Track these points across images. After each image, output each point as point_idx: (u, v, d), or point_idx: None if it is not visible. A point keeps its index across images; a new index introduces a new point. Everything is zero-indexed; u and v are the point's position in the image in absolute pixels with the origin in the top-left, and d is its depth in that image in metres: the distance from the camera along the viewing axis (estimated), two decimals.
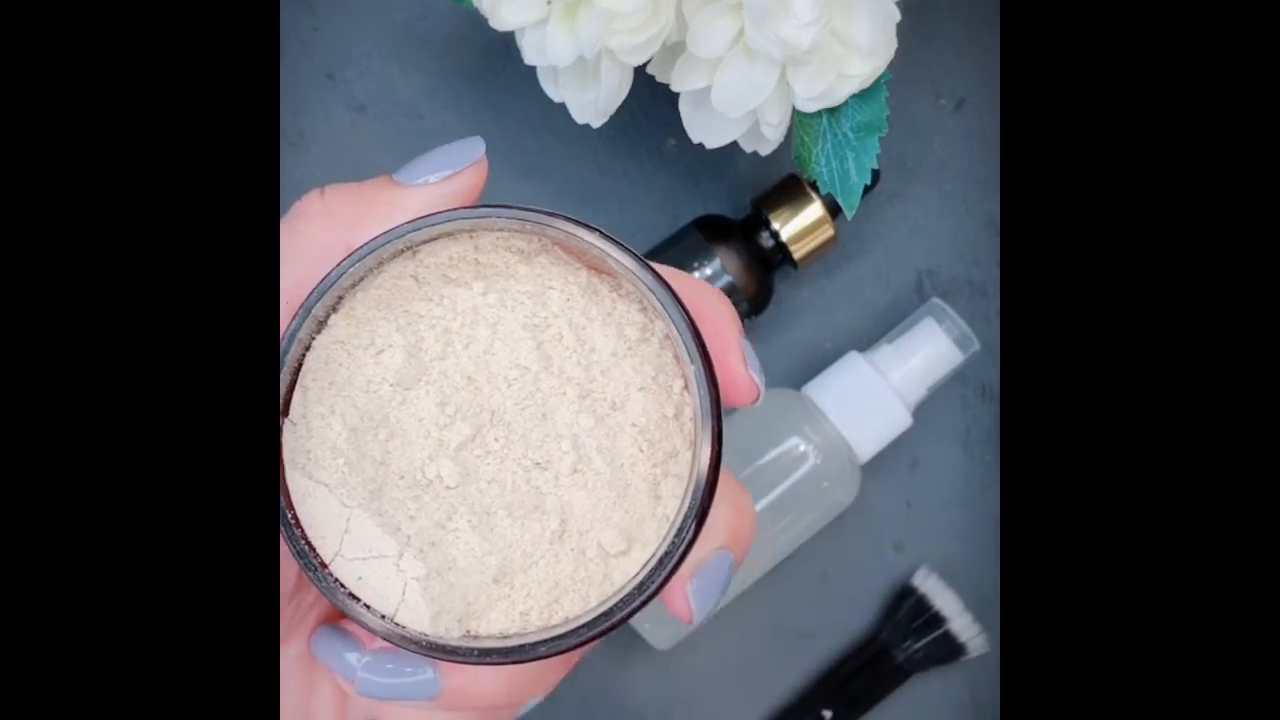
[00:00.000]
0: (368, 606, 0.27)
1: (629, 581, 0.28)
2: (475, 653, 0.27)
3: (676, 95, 0.44)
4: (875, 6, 0.42)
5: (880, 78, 0.44)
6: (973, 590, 0.52)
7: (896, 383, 0.50)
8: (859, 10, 0.42)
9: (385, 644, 0.28)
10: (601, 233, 0.27)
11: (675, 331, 0.27)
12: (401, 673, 0.28)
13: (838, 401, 0.50)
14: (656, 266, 0.28)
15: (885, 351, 0.50)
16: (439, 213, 0.27)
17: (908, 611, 0.51)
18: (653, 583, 0.27)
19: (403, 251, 0.28)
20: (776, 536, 0.50)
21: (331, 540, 0.28)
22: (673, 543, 0.27)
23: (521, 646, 0.27)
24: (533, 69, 0.45)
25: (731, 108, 0.43)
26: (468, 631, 0.28)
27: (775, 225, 0.50)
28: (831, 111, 0.44)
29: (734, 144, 0.46)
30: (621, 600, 0.27)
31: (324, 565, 0.28)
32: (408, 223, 0.27)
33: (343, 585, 0.28)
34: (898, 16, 0.42)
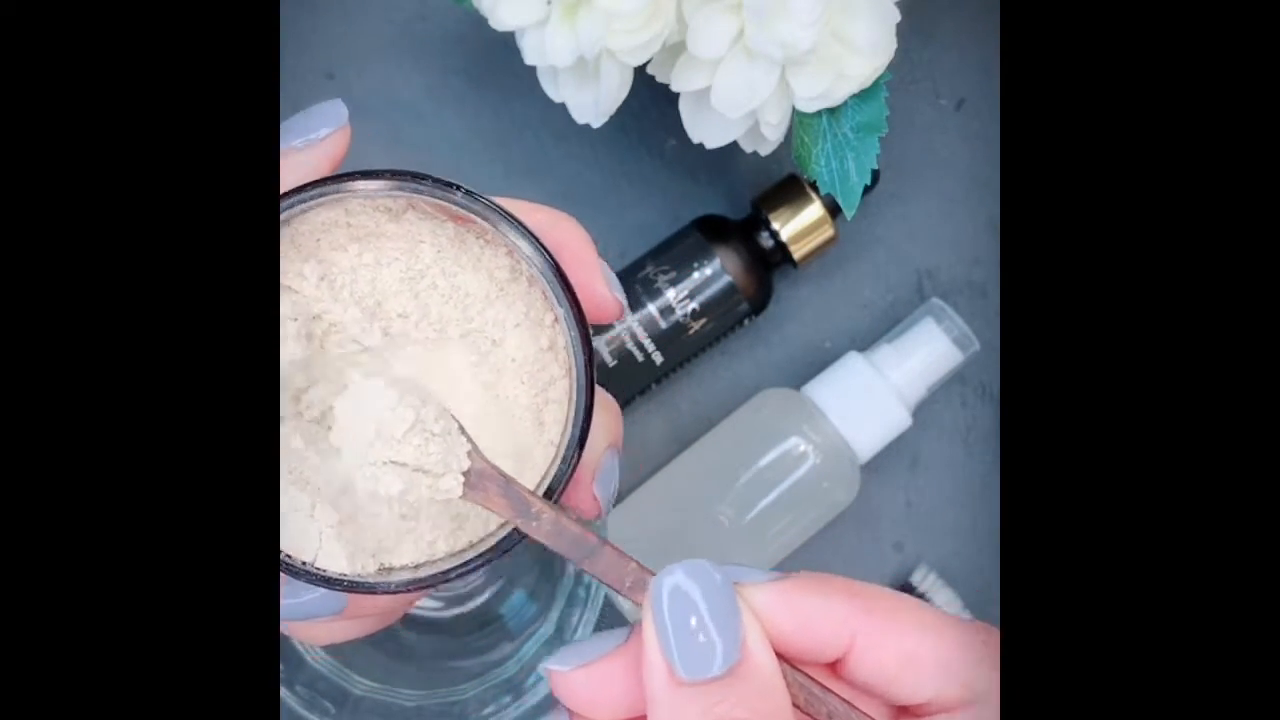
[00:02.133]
0: (289, 556, 0.29)
1: None
2: (392, 585, 0.29)
3: (676, 95, 0.44)
4: (875, 6, 0.42)
5: (880, 78, 0.44)
6: (972, 589, 0.52)
7: (896, 383, 0.50)
8: (859, 10, 0.42)
9: None
10: (462, 190, 0.29)
11: (543, 279, 0.29)
12: (303, 596, 0.29)
13: (838, 401, 0.50)
14: (509, 204, 0.29)
15: (885, 351, 0.50)
16: (310, 189, 0.28)
17: None
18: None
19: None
20: (776, 536, 0.50)
21: None
22: (562, 464, 0.29)
23: (433, 575, 0.29)
24: (533, 69, 0.45)
25: (731, 108, 0.43)
26: (382, 565, 0.29)
27: (775, 225, 0.50)
28: (831, 111, 0.44)
29: (734, 144, 0.46)
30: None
31: None
32: (283, 200, 0.28)
33: None
34: (898, 16, 0.42)
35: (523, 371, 0.30)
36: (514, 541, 0.29)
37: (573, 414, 0.29)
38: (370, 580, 0.29)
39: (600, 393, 0.30)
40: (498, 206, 0.29)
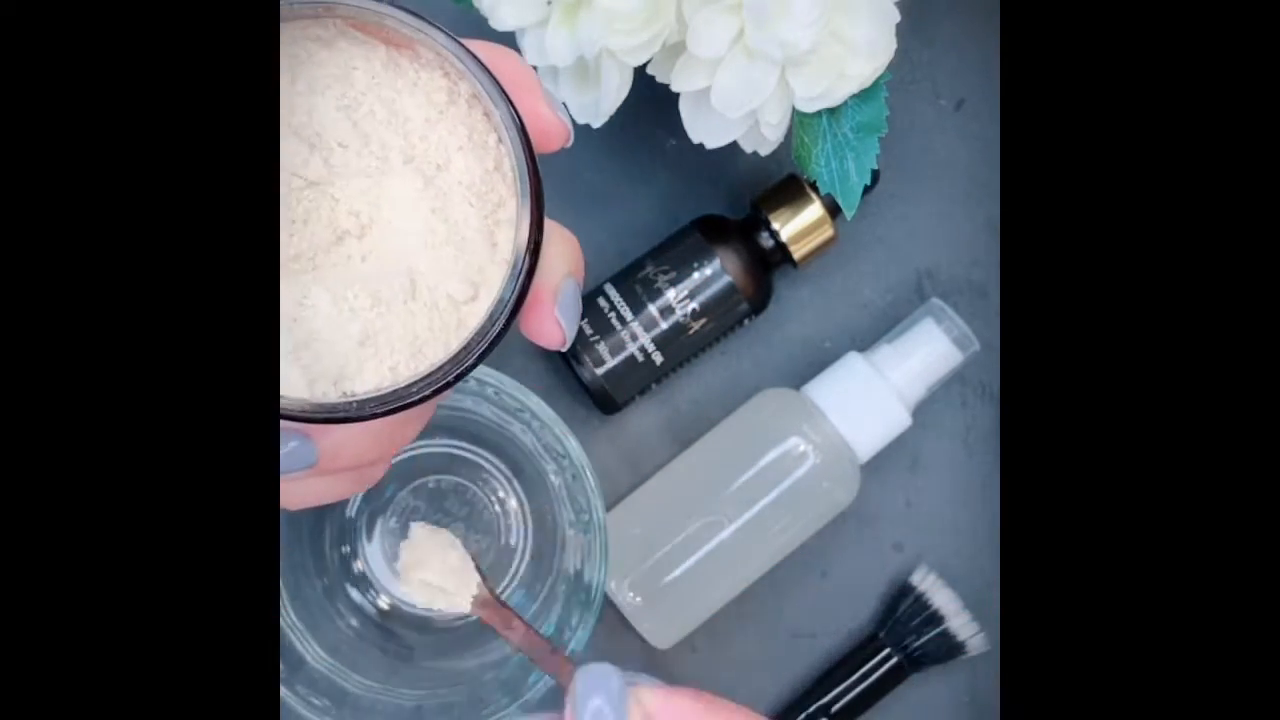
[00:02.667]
0: None
1: (481, 319, 0.29)
2: (354, 406, 0.28)
3: (676, 95, 0.44)
4: (875, 7, 0.42)
5: (880, 78, 0.44)
6: (972, 589, 0.52)
7: (896, 383, 0.50)
8: (859, 10, 0.42)
9: None
10: (392, 3, 0.28)
11: (478, 85, 0.29)
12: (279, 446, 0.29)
13: (838, 401, 0.50)
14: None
15: (885, 351, 0.50)
16: None
17: (906, 610, 0.51)
18: (503, 312, 0.29)
19: None
20: (776, 536, 0.50)
21: None
22: (513, 271, 0.29)
23: (395, 392, 0.28)
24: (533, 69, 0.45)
25: (731, 108, 0.43)
26: (344, 393, 0.29)
27: (775, 225, 0.50)
28: (831, 111, 0.44)
29: (734, 144, 0.46)
30: (478, 333, 0.29)
31: None
32: None
33: None
34: (897, 17, 0.42)
35: (470, 194, 0.30)
36: (475, 358, 0.29)
37: (519, 226, 0.29)
38: (332, 402, 0.28)
39: (559, 226, 0.31)
40: (430, 20, 0.28)
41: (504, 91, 0.29)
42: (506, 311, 0.29)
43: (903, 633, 0.51)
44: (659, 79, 0.45)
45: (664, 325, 0.50)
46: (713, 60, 0.42)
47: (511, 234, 0.30)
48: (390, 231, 0.30)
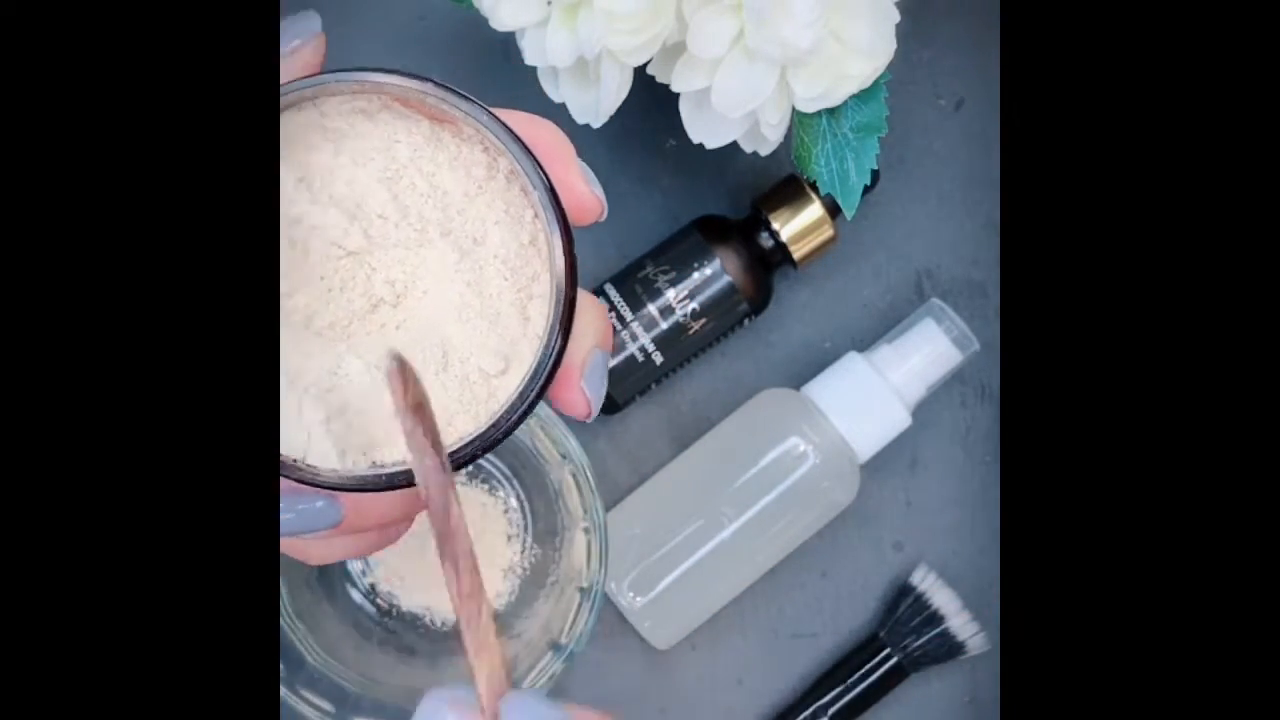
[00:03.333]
0: (281, 455, 0.29)
1: (511, 394, 0.30)
2: (383, 479, 0.29)
3: (676, 95, 0.44)
4: (875, 7, 0.42)
5: (880, 78, 0.44)
6: (972, 589, 0.52)
7: (896, 383, 0.50)
8: (858, 10, 0.42)
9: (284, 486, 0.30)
10: (434, 82, 0.29)
11: (516, 162, 0.29)
12: (301, 506, 0.29)
13: (837, 401, 0.50)
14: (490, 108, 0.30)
15: (885, 351, 0.50)
16: (284, 84, 0.29)
17: (907, 610, 0.51)
18: (533, 389, 0.29)
19: None
20: (776, 536, 0.50)
21: None
22: (545, 350, 0.29)
23: None
24: (533, 69, 0.45)
25: (731, 108, 0.43)
26: (373, 462, 0.29)
27: (775, 225, 0.50)
28: (831, 112, 0.44)
29: (734, 144, 0.46)
30: (508, 408, 0.29)
31: None
32: None
33: None
34: (897, 17, 0.42)
35: (506, 268, 0.30)
36: (504, 431, 0.29)
37: (553, 304, 0.29)
38: (361, 474, 0.29)
39: (588, 296, 0.31)
40: (470, 98, 0.29)
41: (542, 171, 0.29)
42: (536, 389, 0.29)
43: (903, 633, 0.51)
44: (659, 79, 0.45)
45: (664, 325, 0.50)
46: (713, 60, 0.42)
47: (544, 308, 0.30)
48: (425, 302, 0.30)
